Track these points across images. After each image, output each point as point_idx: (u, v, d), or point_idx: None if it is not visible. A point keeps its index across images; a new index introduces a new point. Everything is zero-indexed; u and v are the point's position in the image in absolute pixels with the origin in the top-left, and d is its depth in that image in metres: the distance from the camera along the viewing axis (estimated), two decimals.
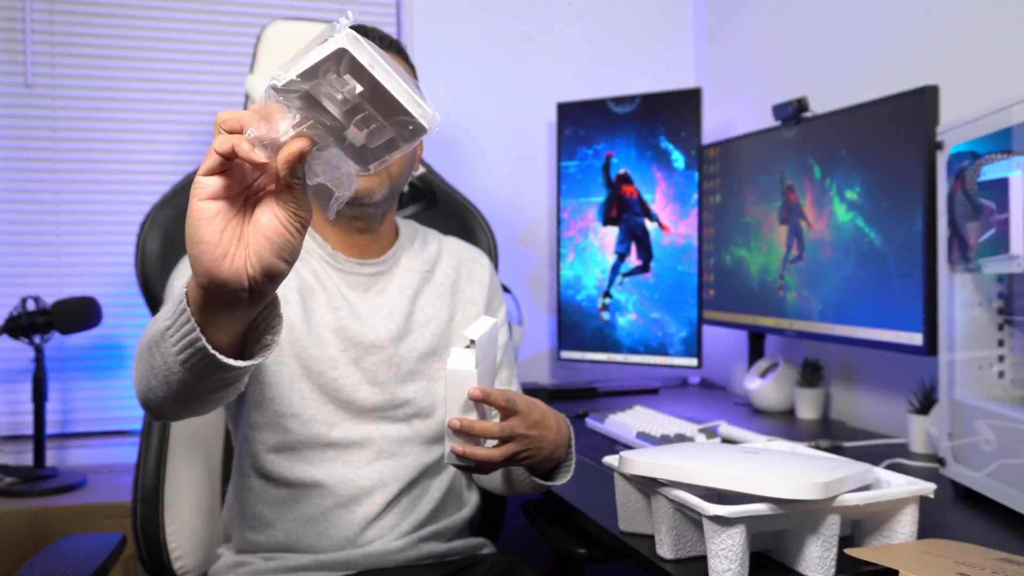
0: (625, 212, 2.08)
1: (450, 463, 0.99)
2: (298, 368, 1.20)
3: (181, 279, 1.18)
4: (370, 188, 1.21)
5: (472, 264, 1.38)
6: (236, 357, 0.79)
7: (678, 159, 2.00)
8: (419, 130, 0.67)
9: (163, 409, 0.90)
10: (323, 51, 0.63)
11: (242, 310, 0.74)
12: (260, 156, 0.66)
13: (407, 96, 0.65)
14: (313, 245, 1.26)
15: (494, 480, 1.28)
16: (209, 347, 0.76)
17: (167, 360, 0.81)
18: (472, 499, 1.34)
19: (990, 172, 1.10)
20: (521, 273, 2.34)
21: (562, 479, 1.16)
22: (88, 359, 2.08)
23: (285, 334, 1.18)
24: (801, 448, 1.16)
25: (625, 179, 2.07)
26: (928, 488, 0.96)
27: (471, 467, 1.00)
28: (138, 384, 0.91)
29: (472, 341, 0.98)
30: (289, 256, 0.71)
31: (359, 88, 0.64)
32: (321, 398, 1.20)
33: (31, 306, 1.89)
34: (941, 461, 1.22)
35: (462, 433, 0.97)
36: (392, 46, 1.25)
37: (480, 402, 0.97)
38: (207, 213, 0.68)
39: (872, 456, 1.43)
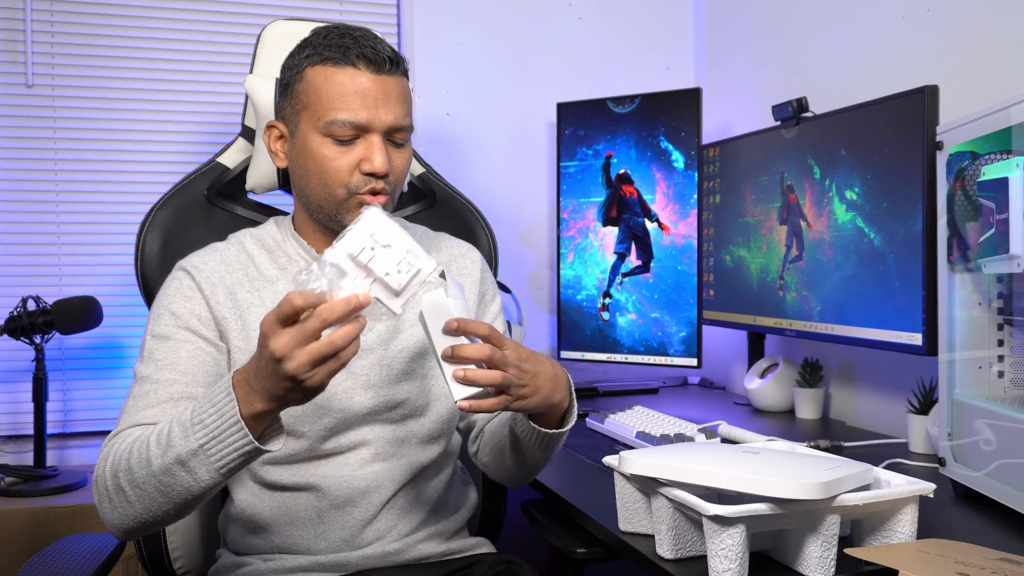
0: (625, 212, 2.08)
1: (459, 400, 0.97)
2: None
3: (155, 337, 1.16)
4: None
5: (462, 259, 1.36)
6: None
7: (678, 159, 2.00)
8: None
9: (153, 529, 1.04)
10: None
11: None
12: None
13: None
14: (299, 250, 1.24)
15: (505, 459, 1.25)
16: (263, 447, 0.94)
17: (199, 477, 0.95)
18: (471, 499, 1.34)
19: (990, 172, 1.10)
20: (521, 273, 2.34)
21: (569, 423, 1.15)
22: (88, 359, 2.08)
23: None
24: (801, 448, 1.16)
25: (625, 179, 2.07)
26: (928, 488, 0.96)
27: (482, 396, 0.99)
28: (128, 517, 1.02)
29: (441, 273, 0.99)
30: None
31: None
32: (315, 413, 1.18)
33: (31, 306, 1.90)
34: (941, 461, 1.22)
35: (455, 361, 0.97)
36: (397, 67, 1.17)
37: (460, 333, 0.97)
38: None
39: (872, 456, 1.43)
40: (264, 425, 0.96)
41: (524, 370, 1.02)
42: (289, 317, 0.86)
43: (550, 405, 1.09)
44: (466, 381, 0.97)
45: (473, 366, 0.98)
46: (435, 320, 0.98)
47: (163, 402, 1.11)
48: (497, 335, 1.00)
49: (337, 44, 1.14)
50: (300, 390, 0.90)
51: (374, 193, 1.15)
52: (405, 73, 1.20)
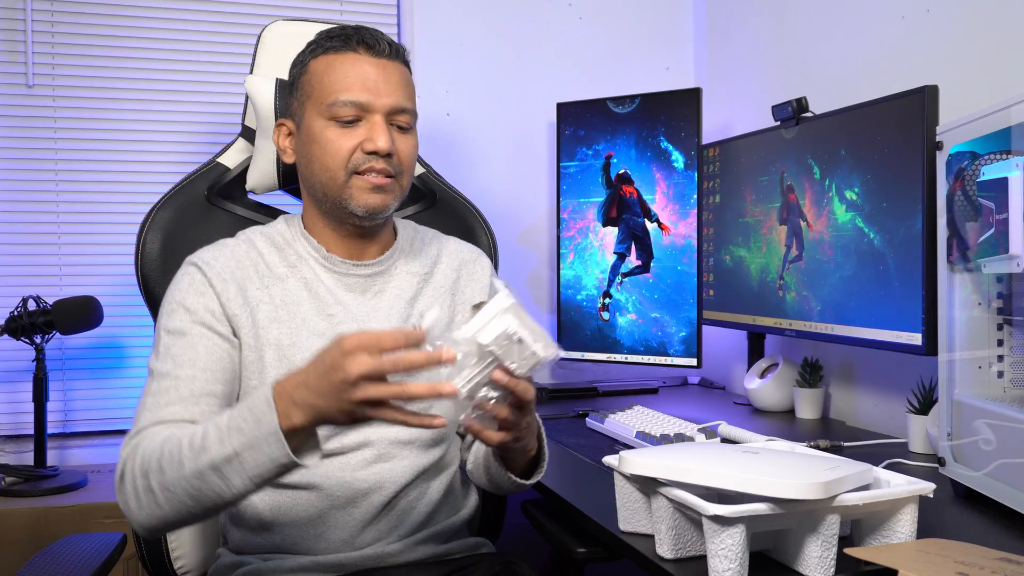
0: (625, 212, 2.08)
1: (466, 417, 1.00)
2: None
3: (171, 333, 1.15)
4: (386, 203, 1.20)
5: (472, 265, 1.37)
6: None
7: (678, 159, 2.00)
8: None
9: (177, 528, 1.06)
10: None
11: None
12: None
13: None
14: (308, 249, 1.25)
15: (484, 480, 1.28)
16: (299, 460, 0.93)
17: (231, 483, 0.93)
18: (471, 500, 1.34)
19: (989, 172, 1.11)
20: (521, 273, 2.34)
21: (538, 474, 1.20)
22: (89, 359, 2.08)
23: (273, 354, 1.19)
24: (801, 448, 1.16)
25: (625, 179, 2.08)
26: (927, 488, 0.96)
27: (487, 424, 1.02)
28: (155, 518, 1.00)
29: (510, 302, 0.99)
30: None
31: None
32: None
33: (32, 306, 1.90)
34: (940, 461, 1.22)
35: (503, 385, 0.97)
36: (398, 55, 1.22)
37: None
38: None
39: (872, 456, 1.43)
40: (299, 440, 0.94)
41: (529, 419, 1.06)
42: (376, 348, 0.87)
43: (525, 451, 1.14)
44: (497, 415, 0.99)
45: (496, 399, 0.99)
46: (502, 349, 0.94)
47: (184, 399, 1.10)
48: (531, 384, 1.01)
49: (339, 35, 1.20)
50: (351, 416, 0.90)
51: (374, 172, 1.17)
52: (407, 63, 1.24)
